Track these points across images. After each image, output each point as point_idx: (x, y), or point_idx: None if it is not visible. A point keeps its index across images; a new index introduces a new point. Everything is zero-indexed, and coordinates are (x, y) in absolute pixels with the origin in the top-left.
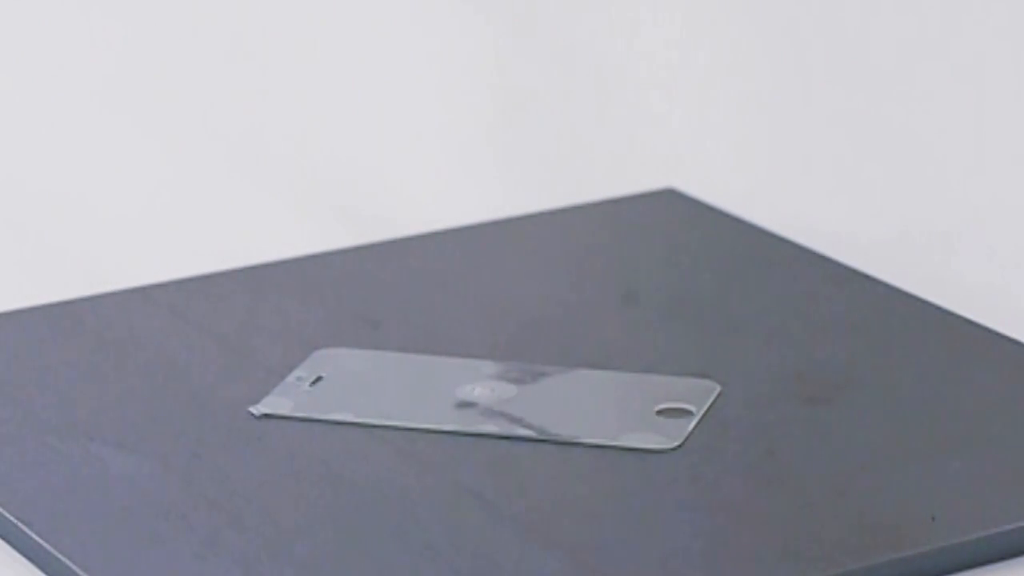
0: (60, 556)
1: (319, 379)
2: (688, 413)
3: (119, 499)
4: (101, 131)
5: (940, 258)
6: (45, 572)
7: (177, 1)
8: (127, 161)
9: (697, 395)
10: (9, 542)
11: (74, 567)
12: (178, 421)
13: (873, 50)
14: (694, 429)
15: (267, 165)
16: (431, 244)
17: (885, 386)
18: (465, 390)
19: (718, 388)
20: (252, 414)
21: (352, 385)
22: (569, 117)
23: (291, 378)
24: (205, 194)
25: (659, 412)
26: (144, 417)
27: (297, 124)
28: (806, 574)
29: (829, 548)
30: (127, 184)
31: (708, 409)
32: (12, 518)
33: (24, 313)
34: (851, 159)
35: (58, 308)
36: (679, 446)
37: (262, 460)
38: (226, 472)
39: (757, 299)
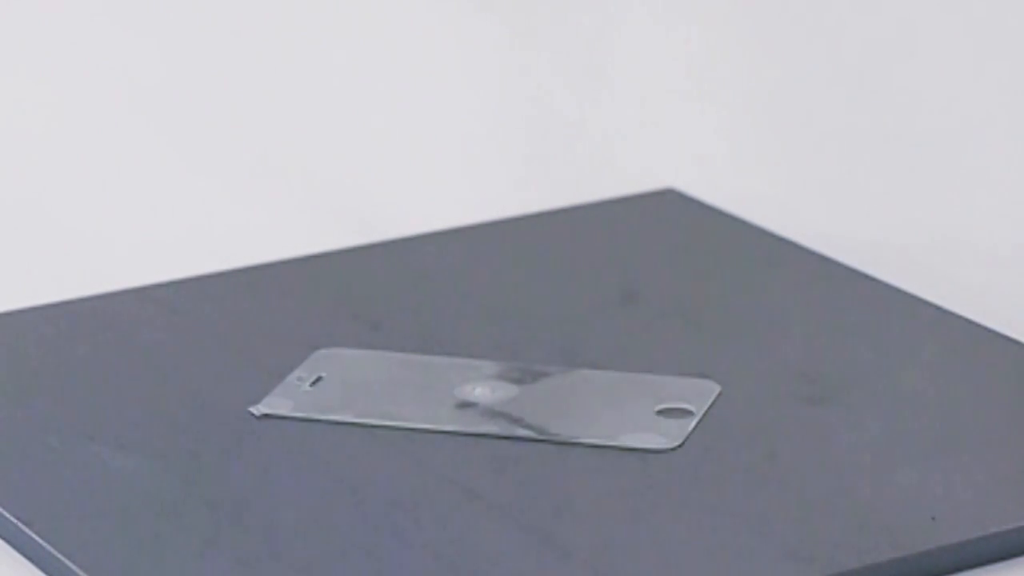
0: (60, 556)
1: (319, 379)
2: (688, 413)
3: (119, 499)
4: (101, 132)
5: (940, 258)
6: (45, 572)
7: (175, 1)
8: (127, 161)
9: (697, 395)
10: (9, 542)
11: (74, 567)
12: (178, 421)
13: (873, 50)
14: (694, 429)
15: (267, 165)
16: (431, 244)
17: (885, 386)
18: (465, 390)
19: (718, 388)
20: (252, 414)
21: (352, 385)
22: (569, 117)
23: (291, 378)
24: (205, 194)
25: (659, 412)
26: (144, 417)
27: (297, 124)
28: (806, 574)
29: (829, 548)
30: (127, 184)
31: (708, 409)
32: (12, 518)
33: (24, 313)
34: (851, 159)
35: (58, 308)
36: (679, 446)
37: (262, 460)
38: (226, 472)
39: (757, 299)
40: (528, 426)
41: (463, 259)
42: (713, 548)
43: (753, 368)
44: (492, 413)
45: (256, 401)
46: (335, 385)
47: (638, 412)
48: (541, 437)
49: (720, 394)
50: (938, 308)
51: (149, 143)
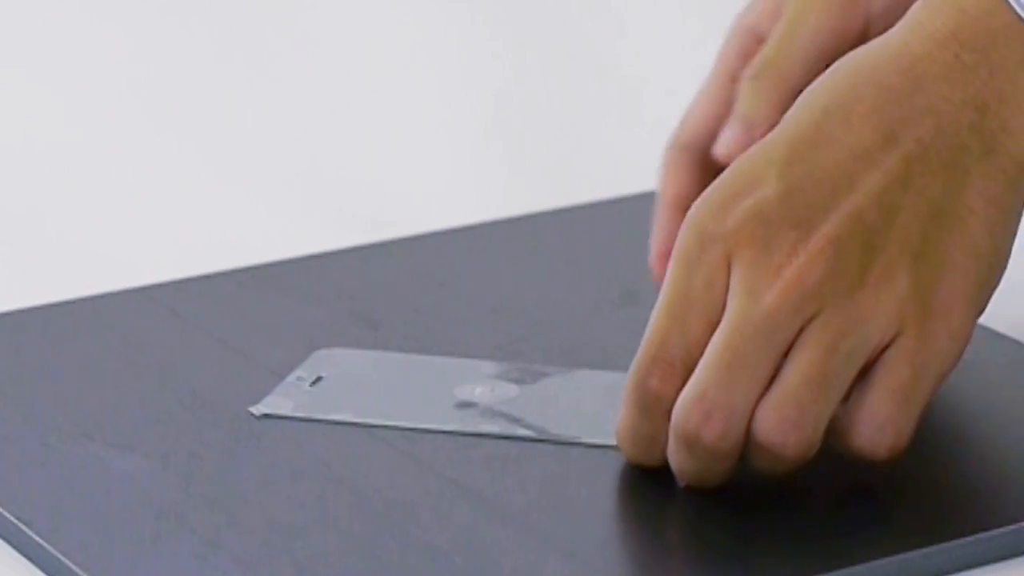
0: (60, 556)
1: (319, 379)
2: None
3: (119, 499)
4: (100, 131)
5: None
6: (45, 572)
7: (175, 1)
8: (127, 161)
9: None
10: (9, 542)
11: (74, 567)
12: (178, 421)
13: None
14: None
15: (267, 165)
16: (431, 244)
17: None
18: (465, 390)
19: None
20: (252, 414)
21: (352, 385)
22: (569, 117)
23: (291, 378)
24: (205, 194)
25: None
26: (144, 417)
27: (297, 123)
28: (806, 574)
29: (829, 548)
30: (127, 184)
31: None
32: (12, 518)
33: (24, 313)
34: None
35: (58, 308)
36: None
37: (262, 460)
38: (226, 472)
39: None
40: (528, 426)
41: (463, 259)
42: (713, 548)
43: None
44: (492, 413)
45: (256, 401)
46: (335, 385)
47: None
48: (541, 437)
49: None
50: None
51: (149, 143)
